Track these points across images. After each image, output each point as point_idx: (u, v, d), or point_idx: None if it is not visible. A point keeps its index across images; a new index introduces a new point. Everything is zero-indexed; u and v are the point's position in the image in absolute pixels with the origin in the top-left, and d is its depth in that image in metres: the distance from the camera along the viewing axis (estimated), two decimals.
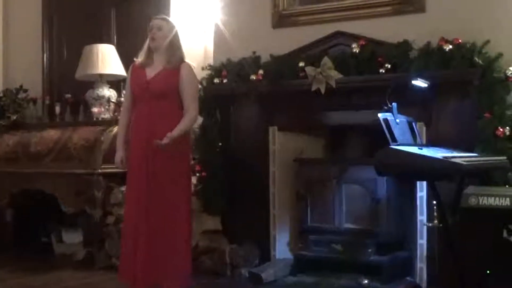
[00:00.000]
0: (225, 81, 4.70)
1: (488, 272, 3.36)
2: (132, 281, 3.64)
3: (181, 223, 3.69)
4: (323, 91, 4.29)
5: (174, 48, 3.73)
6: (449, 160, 2.89)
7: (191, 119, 3.72)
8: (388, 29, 4.28)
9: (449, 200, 3.37)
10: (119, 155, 3.81)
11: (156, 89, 3.66)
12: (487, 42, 3.87)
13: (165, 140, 3.53)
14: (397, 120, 3.21)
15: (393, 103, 3.25)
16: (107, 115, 5.39)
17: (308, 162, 4.69)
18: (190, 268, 3.78)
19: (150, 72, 3.72)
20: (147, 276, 3.60)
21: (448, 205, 3.32)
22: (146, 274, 3.60)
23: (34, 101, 6.00)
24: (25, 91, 5.96)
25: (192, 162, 4.73)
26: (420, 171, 2.97)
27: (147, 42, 3.77)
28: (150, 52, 3.76)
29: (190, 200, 3.86)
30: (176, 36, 3.77)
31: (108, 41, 5.76)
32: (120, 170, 4.05)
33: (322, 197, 4.50)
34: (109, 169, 4.92)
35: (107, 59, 5.44)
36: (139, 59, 3.80)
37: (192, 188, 4.59)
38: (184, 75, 3.69)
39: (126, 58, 5.45)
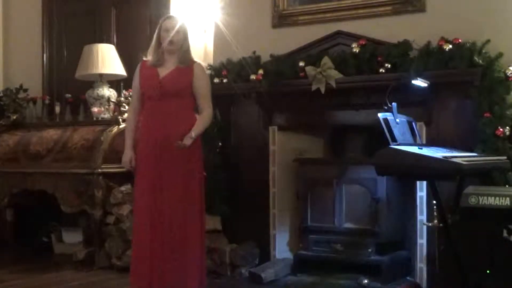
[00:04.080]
0: (225, 81, 4.71)
1: (488, 272, 3.37)
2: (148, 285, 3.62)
3: (196, 223, 3.66)
4: (323, 91, 4.29)
5: (188, 49, 3.73)
6: (449, 160, 2.89)
7: (208, 118, 3.73)
8: (388, 29, 4.28)
9: (449, 200, 3.37)
10: (128, 155, 3.72)
11: (170, 88, 3.63)
12: (487, 42, 3.87)
13: (186, 141, 3.55)
14: (397, 120, 3.22)
15: (393, 103, 3.25)
16: (107, 115, 5.39)
17: (308, 162, 4.69)
18: (204, 270, 3.76)
19: (162, 71, 3.68)
20: (158, 278, 3.59)
21: (448, 205, 3.32)
22: (158, 275, 3.58)
23: (34, 101, 6.00)
24: (25, 90, 5.97)
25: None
26: (420, 171, 2.97)
27: (156, 39, 3.71)
28: (159, 50, 3.71)
29: (203, 200, 3.79)
30: (189, 37, 3.78)
31: (108, 41, 5.76)
32: (121, 170, 4.04)
33: (322, 197, 4.49)
34: (109, 169, 4.93)
35: (107, 59, 5.44)
36: (148, 57, 3.76)
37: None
38: (198, 75, 3.69)
39: (126, 58, 5.47)
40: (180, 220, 3.61)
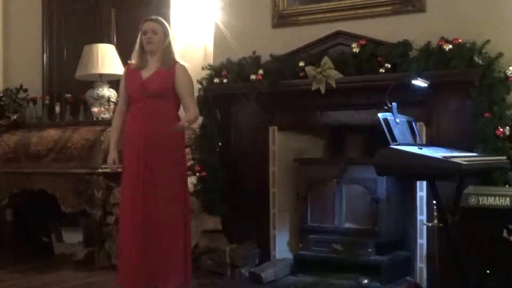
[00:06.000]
0: (225, 81, 4.71)
1: (488, 272, 3.37)
2: (127, 282, 3.65)
3: (178, 222, 3.70)
4: (323, 91, 4.29)
5: (169, 50, 3.77)
6: (449, 160, 2.89)
7: (194, 115, 3.76)
8: (388, 29, 4.28)
9: (449, 200, 3.37)
10: (112, 156, 3.82)
11: (152, 89, 3.69)
12: (487, 42, 3.87)
13: (183, 123, 3.56)
14: (397, 120, 3.22)
15: (393, 103, 3.25)
16: (107, 115, 5.38)
17: (308, 162, 4.69)
18: (189, 268, 3.78)
19: (145, 73, 3.74)
20: (141, 277, 3.61)
21: (448, 205, 3.32)
22: (141, 274, 3.61)
23: (34, 101, 5.99)
24: (25, 91, 5.97)
25: (192, 162, 4.75)
26: (420, 171, 2.97)
27: (138, 43, 3.78)
28: (142, 53, 3.78)
29: (187, 199, 3.87)
30: (170, 38, 3.81)
31: (108, 41, 5.76)
32: (118, 170, 4.05)
33: (322, 197, 4.49)
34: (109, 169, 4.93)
35: (107, 59, 5.44)
36: (133, 61, 3.82)
37: (192, 188, 4.61)
38: (179, 75, 3.72)
39: (126, 58, 5.43)
40: (166, 219, 3.64)
